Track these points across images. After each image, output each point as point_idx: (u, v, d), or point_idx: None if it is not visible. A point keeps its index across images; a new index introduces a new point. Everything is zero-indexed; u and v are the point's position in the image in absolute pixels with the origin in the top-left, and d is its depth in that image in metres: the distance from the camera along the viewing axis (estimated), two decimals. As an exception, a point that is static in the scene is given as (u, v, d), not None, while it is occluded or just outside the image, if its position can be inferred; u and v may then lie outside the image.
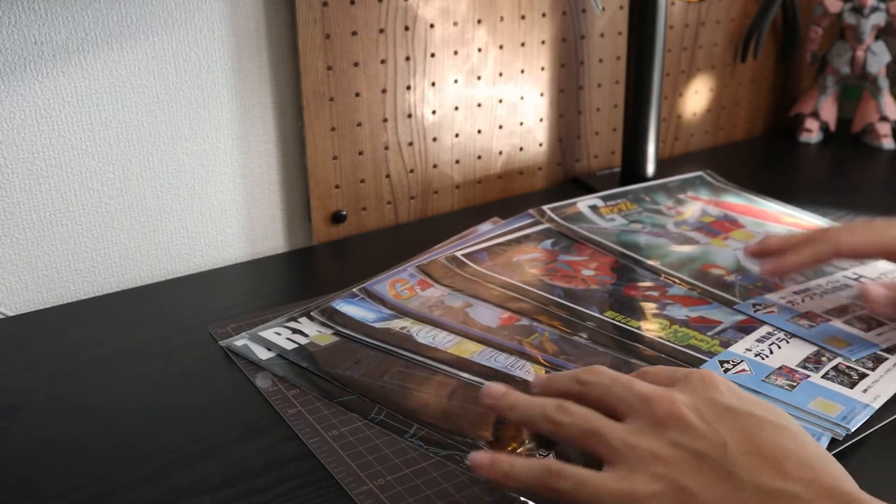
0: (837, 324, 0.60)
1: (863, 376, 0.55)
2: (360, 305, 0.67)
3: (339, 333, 0.63)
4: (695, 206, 0.83)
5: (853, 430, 0.51)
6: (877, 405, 0.53)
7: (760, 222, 0.80)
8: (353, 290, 0.69)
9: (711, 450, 0.41)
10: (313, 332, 0.64)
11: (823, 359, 0.57)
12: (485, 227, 0.80)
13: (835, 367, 0.56)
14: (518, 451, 0.50)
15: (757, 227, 0.79)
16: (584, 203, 0.82)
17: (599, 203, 0.82)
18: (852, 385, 0.55)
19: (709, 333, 0.61)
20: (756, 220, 0.81)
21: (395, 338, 0.62)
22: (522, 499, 0.47)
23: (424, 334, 0.62)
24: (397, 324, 0.64)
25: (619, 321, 0.63)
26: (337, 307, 0.66)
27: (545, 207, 0.80)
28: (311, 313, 0.66)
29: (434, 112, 0.87)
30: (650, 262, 0.70)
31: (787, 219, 0.81)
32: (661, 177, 0.91)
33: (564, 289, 0.68)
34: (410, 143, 0.87)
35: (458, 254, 0.73)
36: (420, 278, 0.70)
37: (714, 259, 0.71)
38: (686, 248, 0.74)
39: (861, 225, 0.69)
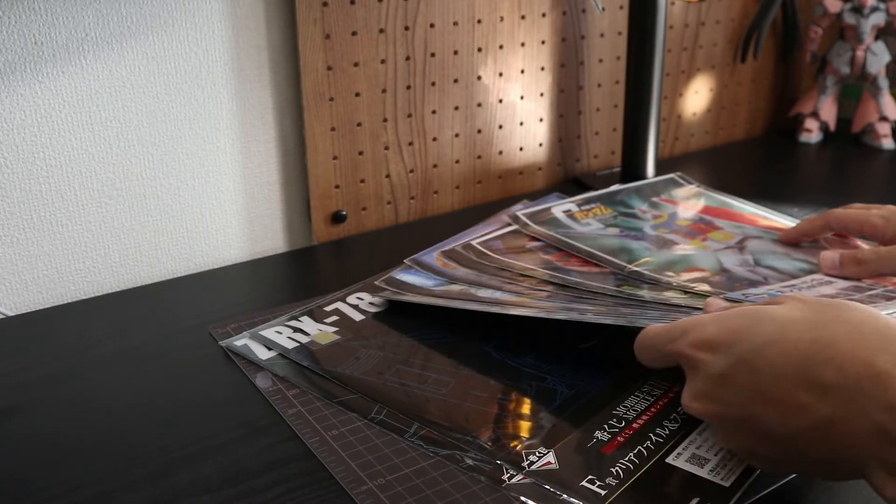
0: None
1: None
2: (417, 275, 0.71)
3: (399, 301, 0.67)
4: (669, 210, 0.83)
5: None
6: None
7: (738, 224, 0.80)
8: (405, 261, 0.73)
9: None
10: (314, 330, 0.64)
11: None
12: (502, 217, 0.81)
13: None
14: (517, 448, 0.50)
15: (735, 229, 0.78)
16: (558, 208, 0.81)
17: (574, 208, 0.81)
18: None
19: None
20: (732, 222, 0.80)
21: (458, 295, 0.65)
22: (522, 498, 0.47)
23: (485, 292, 0.65)
24: (455, 287, 0.67)
25: (635, 291, 0.64)
26: (398, 276, 0.71)
27: (519, 213, 0.79)
28: (375, 283, 0.71)
29: (434, 112, 0.87)
30: (632, 267, 0.70)
31: (762, 221, 0.81)
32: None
33: (580, 272, 0.69)
34: (410, 143, 0.87)
35: (474, 242, 0.74)
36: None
37: (696, 262, 0.71)
38: (667, 252, 0.73)
39: (861, 204, 0.74)
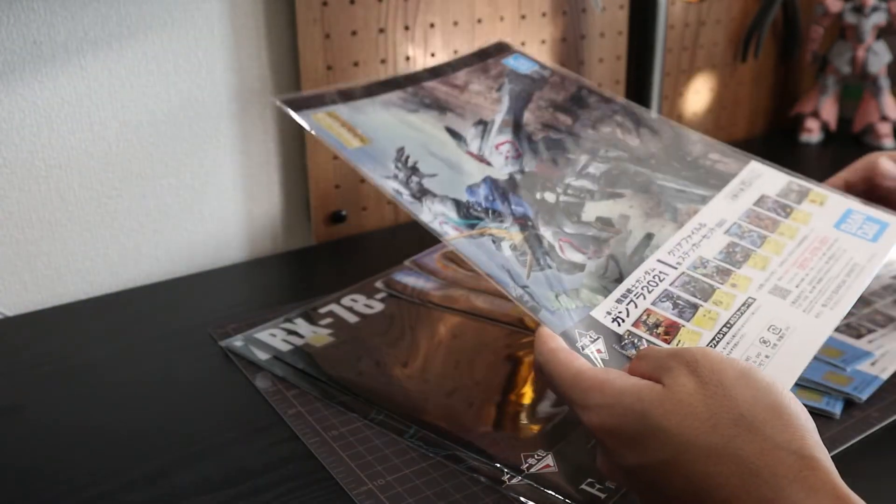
0: None
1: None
2: (417, 276, 0.71)
3: (395, 297, 0.68)
4: None
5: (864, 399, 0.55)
6: (885, 376, 0.56)
7: None
8: (405, 263, 0.73)
9: None
10: (308, 332, 0.64)
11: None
12: None
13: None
14: (516, 450, 0.50)
15: None
16: None
17: None
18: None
19: None
20: None
21: (456, 302, 0.66)
22: (522, 500, 0.47)
23: (484, 300, 0.66)
24: (456, 291, 0.68)
25: None
26: (396, 278, 0.71)
27: None
28: (376, 285, 0.71)
29: (434, 112, 0.87)
30: None
31: None
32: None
33: None
34: (410, 143, 0.87)
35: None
36: None
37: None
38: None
39: None
